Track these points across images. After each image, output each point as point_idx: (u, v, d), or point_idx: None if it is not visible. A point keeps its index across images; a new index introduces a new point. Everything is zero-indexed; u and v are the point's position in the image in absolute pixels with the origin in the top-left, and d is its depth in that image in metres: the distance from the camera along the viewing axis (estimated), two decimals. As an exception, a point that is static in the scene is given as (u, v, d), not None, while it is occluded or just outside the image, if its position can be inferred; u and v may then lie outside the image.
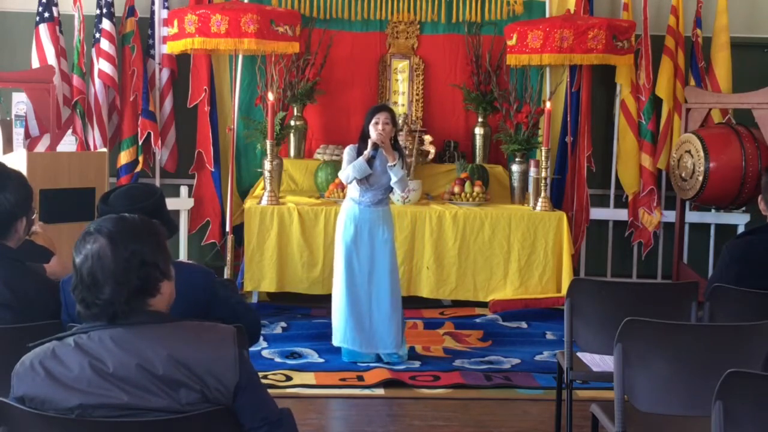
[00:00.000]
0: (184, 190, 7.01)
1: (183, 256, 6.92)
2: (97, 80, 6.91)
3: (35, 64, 6.78)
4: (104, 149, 6.34)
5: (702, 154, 6.33)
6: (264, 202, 6.34)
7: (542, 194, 6.49)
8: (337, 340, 5.15)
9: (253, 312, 3.03)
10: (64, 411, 1.90)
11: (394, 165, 4.95)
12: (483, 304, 6.38)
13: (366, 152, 4.93)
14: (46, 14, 6.78)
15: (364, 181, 5.00)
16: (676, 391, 2.87)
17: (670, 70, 7.22)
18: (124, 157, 7.02)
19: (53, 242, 3.43)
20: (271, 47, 6.68)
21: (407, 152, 6.49)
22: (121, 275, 1.95)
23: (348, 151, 5.07)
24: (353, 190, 5.09)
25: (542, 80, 7.31)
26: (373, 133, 4.94)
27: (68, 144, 6.79)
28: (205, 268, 2.88)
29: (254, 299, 6.40)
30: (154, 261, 2.00)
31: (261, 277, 6.30)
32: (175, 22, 6.67)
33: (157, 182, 7.09)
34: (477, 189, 6.62)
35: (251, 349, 3.38)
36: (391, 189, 5.12)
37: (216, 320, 2.12)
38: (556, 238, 6.41)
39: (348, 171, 4.97)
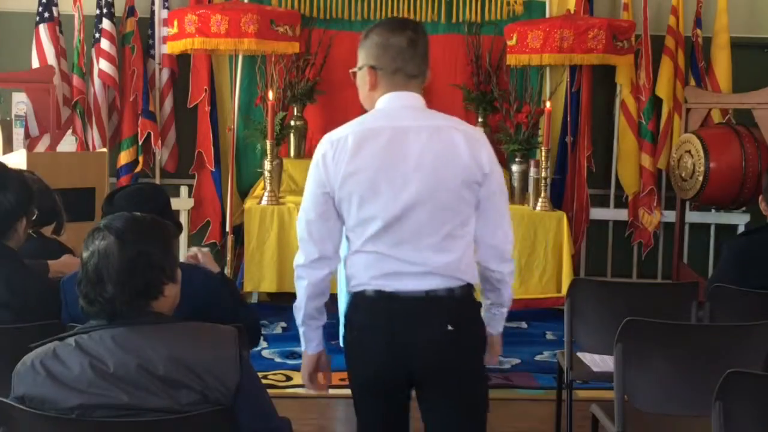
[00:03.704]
0: (184, 190, 7.00)
1: (183, 256, 6.90)
2: (97, 80, 6.91)
3: (35, 64, 6.77)
4: (104, 149, 6.34)
5: (702, 154, 6.32)
6: (264, 202, 6.34)
7: (542, 194, 6.48)
8: None
9: (254, 313, 3.02)
10: (64, 411, 1.90)
11: None
12: (483, 305, 6.37)
13: None
14: (46, 14, 6.78)
15: None
16: (676, 391, 2.87)
17: (670, 70, 7.21)
18: (124, 158, 7.02)
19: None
20: (271, 47, 6.68)
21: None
22: (126, 275, 1.95)
23: None
24: None
25: (542, 80, 7.30)
26: None
27: (68, 144, 6.79)
28: (207, 269, 2.88)
29: (254, 299, 6.39)
30: (160, 263, 1.99)
31: (261, 277, 6.29)
32: (175, 22, 6.66)
33: (157, 182, 7.08)
34: (477, 189, 6.60)
35: (251, 349, 3.38)
36: None
37: (216, 321, 2.11)
38: (556, 239, 6.40)
39: None
